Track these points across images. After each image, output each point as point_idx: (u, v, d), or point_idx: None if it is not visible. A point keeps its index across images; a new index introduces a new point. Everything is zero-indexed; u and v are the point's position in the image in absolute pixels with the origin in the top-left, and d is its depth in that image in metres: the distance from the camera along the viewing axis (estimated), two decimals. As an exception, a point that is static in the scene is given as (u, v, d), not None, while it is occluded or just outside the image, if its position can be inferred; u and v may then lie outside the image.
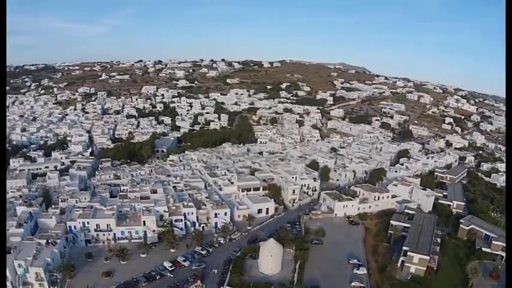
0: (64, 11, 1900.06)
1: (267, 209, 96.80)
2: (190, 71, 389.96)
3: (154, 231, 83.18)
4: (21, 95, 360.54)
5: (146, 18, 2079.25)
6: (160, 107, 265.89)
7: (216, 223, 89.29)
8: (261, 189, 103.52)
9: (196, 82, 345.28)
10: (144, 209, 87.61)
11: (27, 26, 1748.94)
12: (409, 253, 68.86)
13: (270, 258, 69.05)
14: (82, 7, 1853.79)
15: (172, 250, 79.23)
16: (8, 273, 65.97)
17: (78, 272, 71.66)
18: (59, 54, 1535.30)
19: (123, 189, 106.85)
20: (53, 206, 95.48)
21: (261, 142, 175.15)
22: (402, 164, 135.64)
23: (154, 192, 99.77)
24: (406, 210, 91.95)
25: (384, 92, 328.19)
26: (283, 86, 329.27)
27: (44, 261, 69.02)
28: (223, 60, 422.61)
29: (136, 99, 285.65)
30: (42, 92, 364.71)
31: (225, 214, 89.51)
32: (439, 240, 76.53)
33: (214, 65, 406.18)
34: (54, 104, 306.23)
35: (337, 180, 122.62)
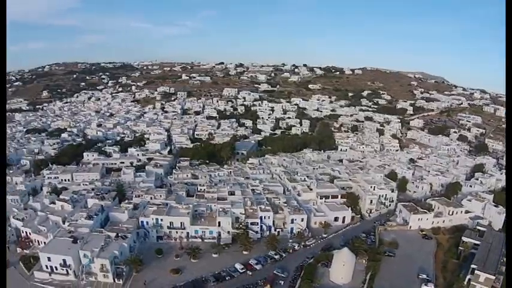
0: (144, 12, 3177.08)
1: (344, 217, 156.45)
2: (272, 75, 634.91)
3: (228, 232, 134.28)
4: (98, 91, 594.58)
5: (226, 21, 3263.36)
6: (242, 110, 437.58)
7: (291, 228, 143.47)
8: (339, 197, 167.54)
9: (278, 86, 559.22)
10: (220, 209, 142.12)
11: (106, 25, 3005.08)
12: (476, 272, 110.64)
13: (342, 268, 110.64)
14: (162, 8, 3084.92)
15: (245, 252, 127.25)
16: (71, 262, 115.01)
17: (145, 267, 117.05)
18: (137, 54, 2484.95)
19: (201, 189, 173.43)
20: (126, 201, 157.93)
21: (341, 149, 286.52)
22: (477, 179, 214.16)
23: (232, 194, 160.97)
24: (477, 227, 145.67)
25: (461, 103, 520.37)
26: (364, 93, 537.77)
27: (111, 253, 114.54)
28: (305, 65, 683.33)
29: (217, 101, 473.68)
30: (120, 89, 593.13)
31: (302, 220, 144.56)
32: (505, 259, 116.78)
33: (296, 70, 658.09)
34: (132, 101, 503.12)
35: (414, 192, 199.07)
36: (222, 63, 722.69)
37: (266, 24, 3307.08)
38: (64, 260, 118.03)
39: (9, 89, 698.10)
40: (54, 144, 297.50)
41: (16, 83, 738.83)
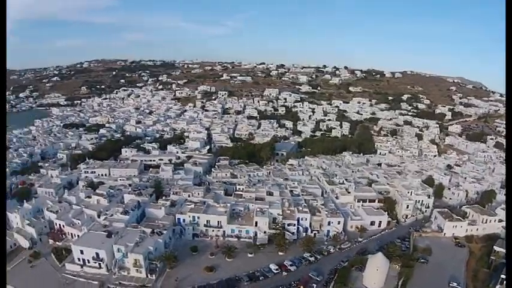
0: (184, 11, 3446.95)
1: (380, 222, 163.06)
2: (313, 76, 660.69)
3: (265, 232, 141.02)
4: (138, 88, 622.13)
5: (267, 22, 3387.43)
6: (282, 111, 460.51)
7: (328, 231, 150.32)
8: (376, 201, 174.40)
9: (319, 88, 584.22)
10: (258, 210, 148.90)
11: (146, 23, 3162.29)
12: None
13: (376, 273, 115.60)
14: (203, 8, 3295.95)
15: (280, 253, 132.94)
16: (104, 255, 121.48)
17: (180, 264, 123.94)
18: (178, 52, 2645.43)
19: (239, 189, 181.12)
20: (163, 198, 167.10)
21: (380, 153, 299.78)
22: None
23: (271, 194, 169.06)
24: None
25: (499, 109, 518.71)
26: (404, 97, 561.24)
27: (145, 249, 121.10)
28: (345, 67, 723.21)
29: (258, 101, 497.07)
30: (160, 87, 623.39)
31: (338, 223, 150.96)
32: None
33: (337, 72, 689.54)
34: (172, 99, 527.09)
35: (450, 198, 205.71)
36: (264, 63, 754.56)
37: (307, 25, 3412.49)
38: (97, 254, 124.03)
39: (47, 84, 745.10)
40: (92, 139, 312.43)
41: (54, 78, 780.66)
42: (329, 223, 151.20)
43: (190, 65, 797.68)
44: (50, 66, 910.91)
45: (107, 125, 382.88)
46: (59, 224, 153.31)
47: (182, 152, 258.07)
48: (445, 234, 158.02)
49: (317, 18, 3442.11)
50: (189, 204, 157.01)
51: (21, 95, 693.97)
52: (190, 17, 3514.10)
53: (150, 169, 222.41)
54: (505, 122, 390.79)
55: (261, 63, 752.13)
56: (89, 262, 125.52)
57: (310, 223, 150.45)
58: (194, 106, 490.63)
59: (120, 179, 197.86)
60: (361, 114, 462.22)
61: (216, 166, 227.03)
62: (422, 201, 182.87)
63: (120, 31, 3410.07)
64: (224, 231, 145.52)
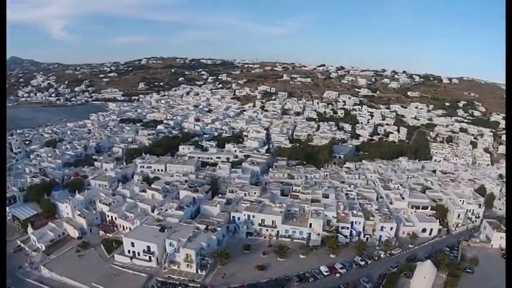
0: (244, 10, 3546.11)
1: (431, 229, 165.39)
2: (373, 80, 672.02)
3: (318, 234, 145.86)
4: (197, 86, 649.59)
5: (328, 24, 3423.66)
6: (341, 113, 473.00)
7: (380, 236, 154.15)
8: (429, 208, 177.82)
9: (377, 92, 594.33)
10: (313, 211, 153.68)
11: (204, 22, 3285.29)
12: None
13: (423, 280, 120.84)
14: (262, 8, 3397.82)
15: (332, 256, 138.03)
16: (155, 249, 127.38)
17: (231, 261, 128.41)
18: (238, 52, 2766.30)
19: (295, 190, 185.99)
20: (219, 195, 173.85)
21: (435, 160, 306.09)
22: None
23: (326, 197, 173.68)
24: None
25: None
26: (460, 104, 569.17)
27: (198, 244, 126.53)
28: (404, 72, 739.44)
29: (318, 103, 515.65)
30: (220, 86, 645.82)
31: (391, 229, 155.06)
32: None
33: (395, 76, 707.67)
34: (232, 98, 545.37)
35: (500, 209, 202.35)
36: (323, 65, 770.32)
37: (368, 29, 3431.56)
38: (148, 247, 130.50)
39: (104, 79, 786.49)
40: (149, 134, 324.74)
41: (111, 74, 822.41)
42: (382, 228, 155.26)
43: (250, 65, 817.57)
44: (107, 62, 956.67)
45: (164, 121, 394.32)
46: (111, 216, 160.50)
47: (240, 151, 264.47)
48: (492, 245, 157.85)
49: (375, 21, 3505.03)
50: (244, 203, 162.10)
51: (76, 89, 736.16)
52: (250, 16, 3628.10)
53: (207, 167, 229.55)
54: (505, 122, 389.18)
55: (321, 65, 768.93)
56: (139, 255, 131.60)
57: (364, 227, 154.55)
58: (254, 106, 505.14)
59: (177, 175, 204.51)
60: (418, 119, 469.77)
61: (273, 166, 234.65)
62: (473, 210, 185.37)
63: (180, 29, 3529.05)
64: (278, 231, 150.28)
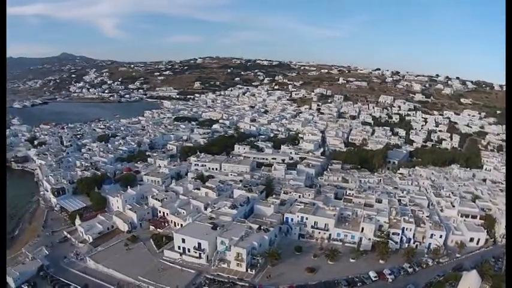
0: (299, 12, 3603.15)
1: (479, 239, 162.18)
2: (427, 85, 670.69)
3: (369, 239, 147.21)
4: (253, 87, 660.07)
5: (380, 26, 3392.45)
6: (396, 119, 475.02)
7: (429, 244, 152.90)
8: (478, 218, 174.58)
9: (431, 98, 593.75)
10: (365, 216, 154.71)
11: (260, 23, 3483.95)
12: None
13: None
14: (318, 10, 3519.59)
15: (381, 261, 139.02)
16: (206, 246, 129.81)
17: (282, 262, 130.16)
18: (293, 53, 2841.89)
19: (349, 193, 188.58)
20: (273, 196, 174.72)
21: (486, 169, 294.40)
22: None
23: (379, 202, 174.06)
24: None
25: None
26: None
27: (250, 244, 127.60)
28: (457, 78, 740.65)
29: (373, 107, 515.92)
30: (276, 87, 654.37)
31: (440, 237, 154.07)
32: None
33: (449, 82, 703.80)
34: (288, 100, 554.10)
35: None
36: (379, 69, 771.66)
37: (423, 32, 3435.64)
38: (199, 244, 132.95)
39: (158, 78, 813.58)
40: (204, 133, 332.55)
41: (166, 72, 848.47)
42: (431, 236, 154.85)
43: (306, 67, 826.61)
44: (162, 61, 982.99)
45: (220, 121, 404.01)
46: (163, 212, 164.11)
47: (296, 153, 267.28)
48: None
49: (430, 24, 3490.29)
50: (298, 205, 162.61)
51: (130, 86, 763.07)
52: (303, 18, 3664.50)
53: (263, 167, 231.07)
54: (505, 122, 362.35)
55: (376, 69, 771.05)
56: (189, 251, 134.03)
57: (414, 234, 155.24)
58: (310, 108, 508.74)
59: (231, 174, 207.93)
60: (471, 127, 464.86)
61: (328, 169, 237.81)
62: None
63: (233, 30, 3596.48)
64: (330, 234, 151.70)
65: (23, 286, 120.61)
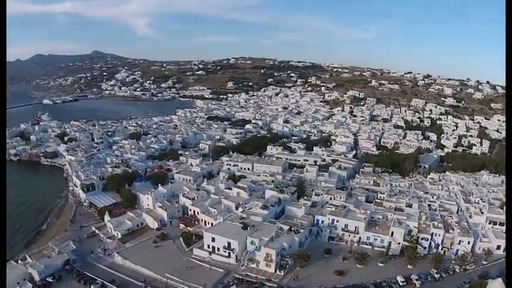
0: (331, 13, 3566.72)
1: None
2: (458, 89, 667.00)
3: (399, 244, 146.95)
4: (286, 88, 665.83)
5: (415, 28, 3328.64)
6: (428, 122, 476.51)
7: (457, 250, 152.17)
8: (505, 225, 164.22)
9: (462, 102, 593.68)
10: (395, 220, 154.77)
11: (293, 24, 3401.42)
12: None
13: None
14: (353, 12, 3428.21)
15: (409, 266, 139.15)
16: (236, 246, 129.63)
17: (311, 264, 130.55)
18: (325, 55, 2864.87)
19: (380, 197, 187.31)
20: (305, 198, 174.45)
21: None
22: None
23: (409, 206, 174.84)
24: None
25: None
26: None
27: (280, 245, 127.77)
28: (488, 82, 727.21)
29: (405, 111, 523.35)
30: (309, 89, 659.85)
31: (468, 243, 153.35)
32: None
33: (479, 87, 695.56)
34: (321, 102, 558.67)
35: None
36: (411, 72, 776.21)
37: (454, 35, 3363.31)
38: (229, 243, 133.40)
39: (191, 77, 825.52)
40: (237, 133, 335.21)
41: (198, 72, 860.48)
42: (460, 242, 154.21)
43: (339, 69, 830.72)
44: (195, 60, 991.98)
45: (253, 121, 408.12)
46: (194, 211, 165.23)
47: (328, 155, 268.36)
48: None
49: (461, 28, 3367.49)
50: (329, 207, 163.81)
51: (162, 85, 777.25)
52: (338, 19, 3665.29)
53: (295, 168, 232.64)
54: (505, 122, 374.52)
55: (408, 72, 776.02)
56: (218, 250, 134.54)
57: (442, 240, 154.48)
58: (342, 110, 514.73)
59: (263, 175, 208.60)
60: (500, 132, 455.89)
61: (360, 172, 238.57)
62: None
63: (266, 31, 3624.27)
64: (360, 238, 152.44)
65: (47, 279, 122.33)
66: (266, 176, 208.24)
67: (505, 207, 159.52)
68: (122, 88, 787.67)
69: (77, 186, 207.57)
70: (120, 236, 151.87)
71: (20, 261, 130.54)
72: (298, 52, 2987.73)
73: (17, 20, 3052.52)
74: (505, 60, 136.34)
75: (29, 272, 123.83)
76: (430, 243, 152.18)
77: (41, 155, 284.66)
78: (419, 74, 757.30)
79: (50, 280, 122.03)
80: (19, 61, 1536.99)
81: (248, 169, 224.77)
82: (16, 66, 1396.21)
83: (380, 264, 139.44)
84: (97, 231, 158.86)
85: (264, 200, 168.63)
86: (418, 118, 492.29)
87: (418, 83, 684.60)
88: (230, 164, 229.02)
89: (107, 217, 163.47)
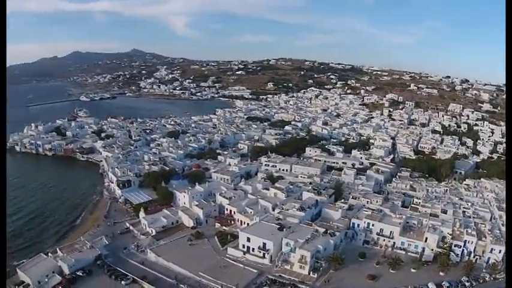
0: (374, 16, 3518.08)
1: None
2: (494, 95, 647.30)
3: (432, 250, 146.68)
4: (326, 90, 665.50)
5: (452, 32, 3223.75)
6: (465, 128, 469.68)
7: (488, 258, 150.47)
8: None
9: (499, 108, 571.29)
10: (430, 226, 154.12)
11: (333, 26, 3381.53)
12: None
13: None
14: (392, 15, 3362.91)
15: (441, 273, 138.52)
16: (271, 247, 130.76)
17: (344, 267, 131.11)
18: (364, 57, 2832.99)
19: (416, 202, 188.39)
20: (342, 200, 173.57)
21: None
22: None
23: (444, 212, 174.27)
24: None
25: None
26: None
27: (315, 247, 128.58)
28: None
29: (443, 116, 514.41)
30: (349, 91, 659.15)
31: (500, 252, 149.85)
32: None
33: None
34: (360, 105, 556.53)
35: None
36: (449, 77, 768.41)
37: (491, 40, 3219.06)
38: (264, 244, 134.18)
39: (231, 77, 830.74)
40: (276, 134, 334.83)
41: (238, 72, 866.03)
42: (491, 250, 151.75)
43: (378, 72, 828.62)
44: (234, 60, 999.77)
45: (292, 122, 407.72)
46: (230, 210, 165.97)
47: (366, 158, 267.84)
48: None
49: (494, 32, 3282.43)
50: (366, 211, 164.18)
51: (202, 84, 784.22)
52: (378, 22, 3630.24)
53: (333, 171, 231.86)
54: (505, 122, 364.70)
55: (446, 77, 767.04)
56: (253, 250, 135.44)
57: (475, 247, 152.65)
58: (381, 114, 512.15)
59: (301, 177, 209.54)
60: None
61: (397, 176, 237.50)
62: None
63: (305, 31, 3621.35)
64: (394, 243, 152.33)
65: (77, 273, 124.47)
66: (304, 177, 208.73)
67: (505, 208, 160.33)
68: (161, 87, 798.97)
69: (112, 182, 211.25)
70: (154, 233, 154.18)
71: (50, 254, 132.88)
72: (336, 54, 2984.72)
73: (55, 17, 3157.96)
74: (505, 61, 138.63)
75: (59, 265, 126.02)
76: (463, 250, 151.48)
77: (77, 150, 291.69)
78: (456, 78, 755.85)
79: (80, 274, 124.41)
80: (56, 58, 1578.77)
81: (286, 170, 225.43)
82: (53, 62, 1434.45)
83: (412, 270, 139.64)
84: (131, 228, 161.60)
85: (301, 201, 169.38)
86: (455, 123, 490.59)
87: (456, 88, 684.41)
88: (268, 165, 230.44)
89: (142, 214, 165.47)
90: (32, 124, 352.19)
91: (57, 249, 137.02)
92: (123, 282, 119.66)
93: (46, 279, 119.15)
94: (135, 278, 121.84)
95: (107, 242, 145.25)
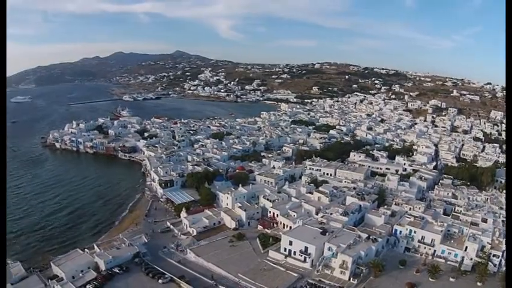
0: (418, 21, 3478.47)
1: None
2: None
3: (471, 259, 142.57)
4: (370, 95, 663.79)
5: (494, 38, 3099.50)
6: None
7: None
8: None
9: None
10: (471, 235, 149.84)
11: (377, 31, 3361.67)
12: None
13: None
14: (436, 20, 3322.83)
15: (478, 284, 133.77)
16: (312, 251, 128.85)
17: (384, 274, 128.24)
18: (408, 63, 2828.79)
19: (457, 210, 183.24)
20: (385, 206, 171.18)
21: None
22: None
23: (484, 221, 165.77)
24: None
25: None
26: None
27: (357, 253, 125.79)
28: None
29: (484, 123, 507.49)
30: (393, 96, 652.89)
31: None
32: None
33: None
34: (404, 110, 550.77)
35: None
36: (490, 83, 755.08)
37: None
38: (306, 248, 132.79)
39: (276, 80, 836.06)
40: (321, 138, 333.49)
41: (283, 76, 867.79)
42: None
43: (422, 78, 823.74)
44: (279, 64, 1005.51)
45: (337, 127, 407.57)
46: (273, 213, 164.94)
47: (409, 165, 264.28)
48: None
49: None
50: (408, 217, 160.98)
51: (247, 87, 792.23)
52: (421, 27, 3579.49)
53: (376, 176, 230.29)
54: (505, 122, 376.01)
55: (487, 83, 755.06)
56: (294, 254, 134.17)
57: None
58: (425, 120, 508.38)
59: (345, 181, 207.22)
60: None
61: (439, 184, 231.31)
62: None
63: (352, 36, 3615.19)
64: (435, 251, 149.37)
65: (114, 269, 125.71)
66: (348, 182, 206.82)
67: (505, 208, 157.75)
68: (206, 88, 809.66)
69: (154, 182, 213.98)
70: (195, 233, 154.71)
71: (86, 250, 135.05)
72: (382, 59, 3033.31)
73: (97, 18, 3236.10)
74: (505, 61, 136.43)
75: (95, 261, 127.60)
76: (501, 260, 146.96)
77: (119, 149, 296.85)
78: (497, 85, 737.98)
79: (117, 271, 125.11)
80: (98, 58, 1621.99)
81: (330, 174, 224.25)
82: (95, 62, 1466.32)
83: (451, 280, 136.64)
84: (171, 227, 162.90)
85: (345, 206, 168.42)
86: (497, 131, 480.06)
87: (497, 95, 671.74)
88: (313, 169, 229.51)
89: (183, 214, 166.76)
90: (74, 122, 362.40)
91: (94, 245, 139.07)
92: (160, 280, 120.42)
93: (81, 274, 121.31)
94: (173, 277, 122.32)
95: (146, 240, 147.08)
